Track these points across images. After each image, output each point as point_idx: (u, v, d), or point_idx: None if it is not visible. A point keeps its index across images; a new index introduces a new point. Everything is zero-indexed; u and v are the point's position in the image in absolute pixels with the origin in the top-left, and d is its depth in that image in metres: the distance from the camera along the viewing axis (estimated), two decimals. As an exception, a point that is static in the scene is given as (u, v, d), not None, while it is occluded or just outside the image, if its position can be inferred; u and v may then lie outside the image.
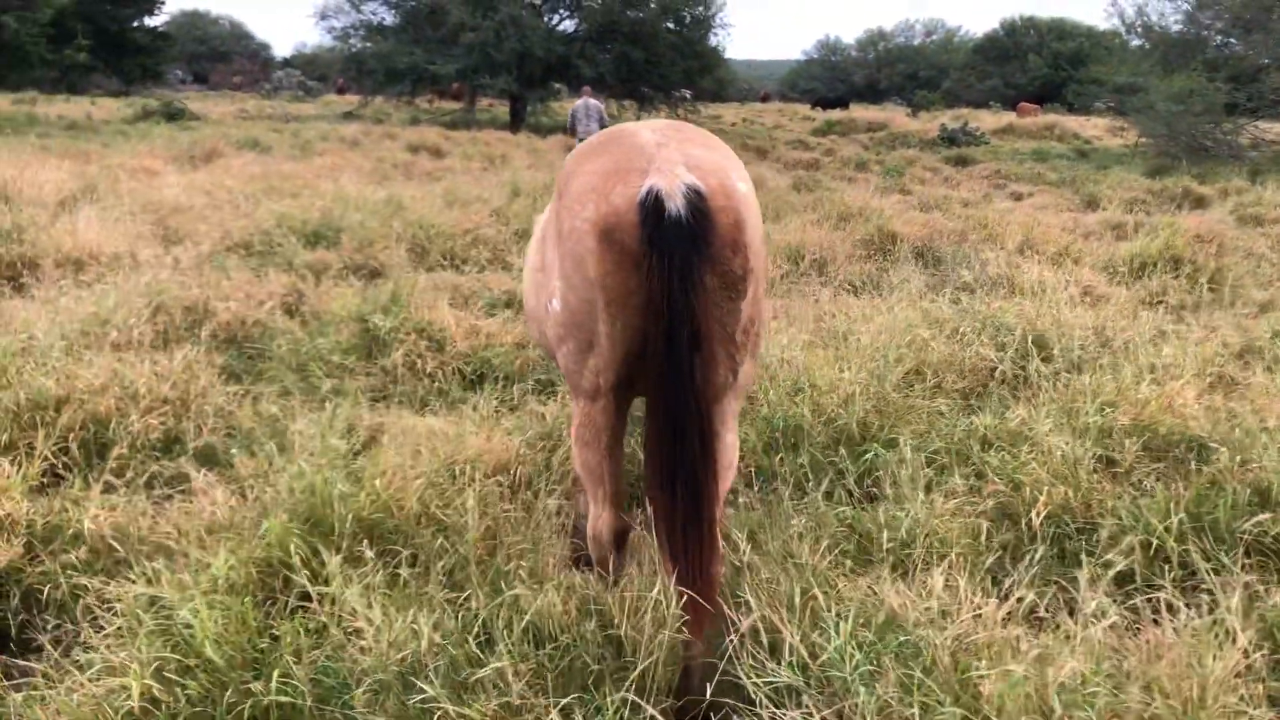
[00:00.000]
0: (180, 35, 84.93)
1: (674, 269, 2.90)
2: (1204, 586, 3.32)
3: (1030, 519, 4.03)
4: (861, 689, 2.72)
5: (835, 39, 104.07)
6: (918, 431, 5.04)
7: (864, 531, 3.93)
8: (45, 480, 4.48)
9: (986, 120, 41.83)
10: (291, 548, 3.51)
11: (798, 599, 3.14)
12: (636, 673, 2.90)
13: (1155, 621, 3.14)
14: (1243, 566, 3.60)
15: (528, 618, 3.14)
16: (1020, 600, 3.19)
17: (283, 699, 3.06)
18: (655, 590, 3.07)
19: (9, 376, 5.07)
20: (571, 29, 37.90)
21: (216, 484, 4.46)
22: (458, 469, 4.34)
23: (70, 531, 4.01)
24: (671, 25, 38.35)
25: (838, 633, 2.90)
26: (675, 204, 2.90)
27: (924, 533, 3.78)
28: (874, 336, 6.37)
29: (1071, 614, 3.28)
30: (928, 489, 4.24)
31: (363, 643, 3.09)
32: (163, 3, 60.41)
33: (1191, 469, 4.40)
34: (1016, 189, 19.30)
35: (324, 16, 38.71)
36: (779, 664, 2.90)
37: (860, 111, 52.56)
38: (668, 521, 3.07)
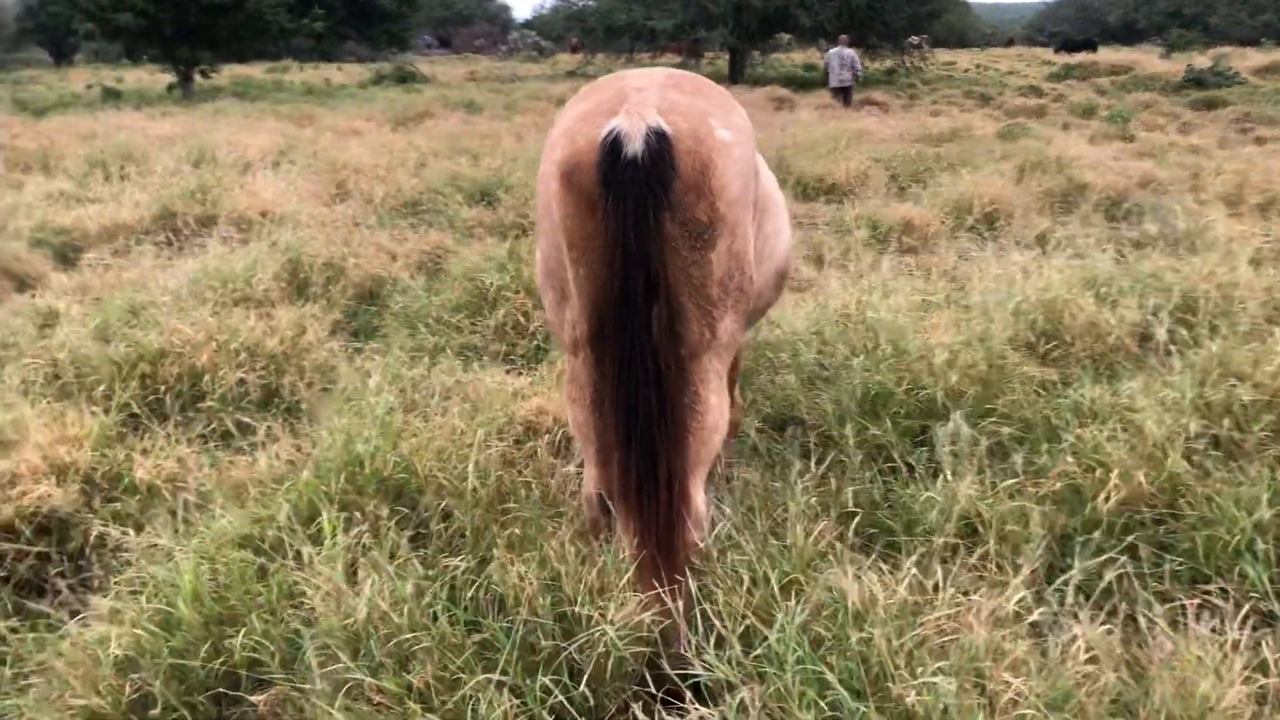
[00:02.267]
0: (426, 1, 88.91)
1: (627, 212, 2.75)
2: None
3: (1096, 505, 3.57)
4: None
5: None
6: (1012, 402, 4.59)
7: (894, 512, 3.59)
8: (124, 430, 4.70)
9: (1253, 59, 38.09)
10: (286, 508, 3.51)
11: (774, 584, 2.88)
12: (565, 654, 2.73)
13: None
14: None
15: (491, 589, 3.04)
16: (1023, 599, 2.81)
17: (255, 656, 3.10)
18: (601, 563, 2.88)
19: (115, 330, 5.35)
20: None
21: (283, 438, 4.57)
22: (498, 430, 4.28)
23: (126, 481, 4.20)
24: (898, -31, 36.92)
25: (784, 625, 2.62)
26: (634, 145, 2.76)
27: (954, 517, 3.41)
28: (1002, 296, 5.85)
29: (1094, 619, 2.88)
30: (984, 468, 3.83)
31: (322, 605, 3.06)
32: (408, -30, 63.26)
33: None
34: (1264, 133, 17.47)
35: (549, -24, 39.36)
36: (721, 654, 2.66)
37: (1107, 54, 49.00)
38: (623, 482, 2.91)
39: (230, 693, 3.10)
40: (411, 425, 4.14)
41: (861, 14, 34.82)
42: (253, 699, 3.02)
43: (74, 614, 3.40)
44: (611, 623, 2.76)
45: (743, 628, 2.72)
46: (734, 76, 35.58)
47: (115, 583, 3.50)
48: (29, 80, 39.32)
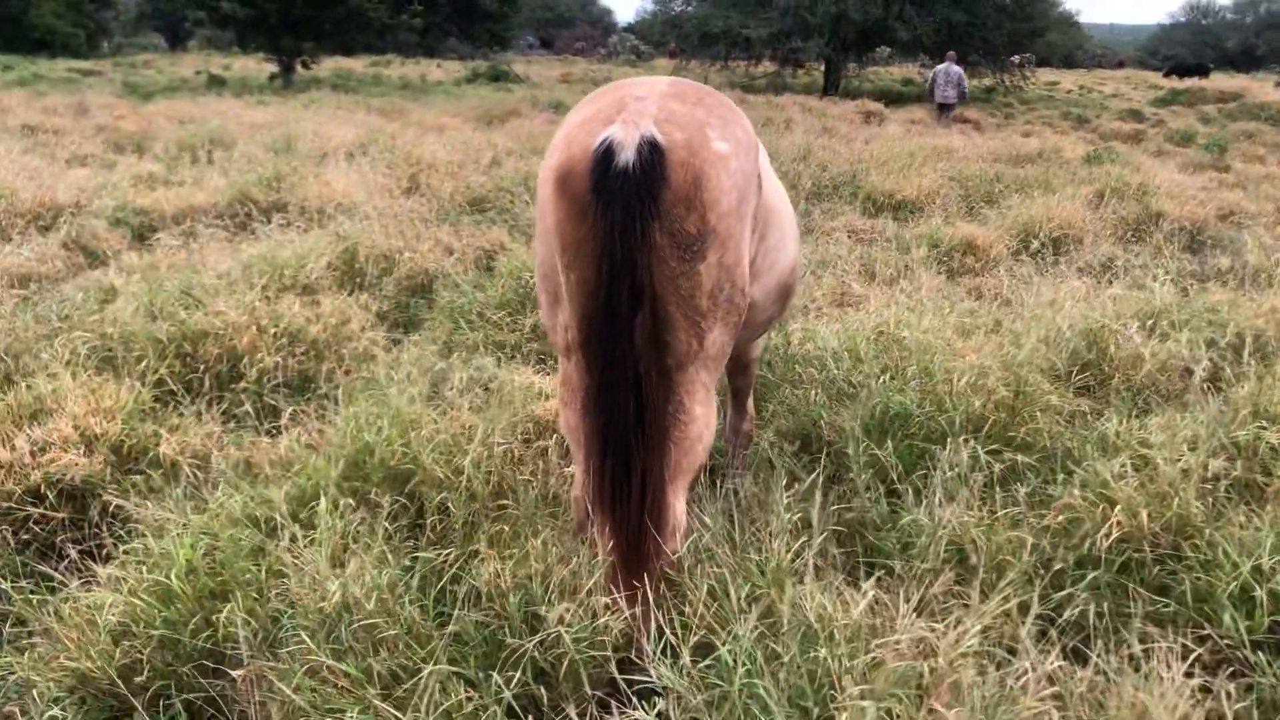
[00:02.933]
0: (529, 2, 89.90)
1: (615, 220, 2.79)
2: None
3: (1095, 540, 3.49)
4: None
5: (1207, 1, 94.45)
6: (1035, 430, 4.51)
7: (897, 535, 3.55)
8: (157, 406, 4.85)
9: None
10: (281, 491, 3.60)
11: (734, 597, 2.87)
12: (528, 652, 2.76)
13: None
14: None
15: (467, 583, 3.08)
16: (990, 629, 2.77)
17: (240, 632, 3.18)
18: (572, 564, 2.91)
19: (163, 309, 5.53)
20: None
21: (310, 423, 4.68)
22: (512, 427, 4.34)
23: (150, 454, 4.35)
24: (1004, -14, 36.31)
25: (737, 639, 2.62)
26: (626, 155, 2.80)
27: (940, 543, 3.36)
28: (1037, 322, 5.75)
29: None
30: (988, 496, 3.78)
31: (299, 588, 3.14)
32: (511, -30, 64.07)
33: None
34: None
35: (648, -19, 39.52)
36: (671, 664, 2.67)
37: (1219, 81, 47.59)
38: (598, 487, 2.94)
39: (212, 665, 3.19)
40: (423, 417, 4.20)
41: (961, 30, 34.25)
42: (233, 673, 3.11)
43: (83, 580, 3.54)
44: (570, 625, 2.77)
45: (695, 639, 2.72)
46: (828, 88, 35.36)
47: (124, 552, 3.63)
48: (143, 65, 40.74)
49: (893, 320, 5.74)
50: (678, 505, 3.05)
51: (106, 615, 3.24)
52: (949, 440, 4.24)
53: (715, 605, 2.88)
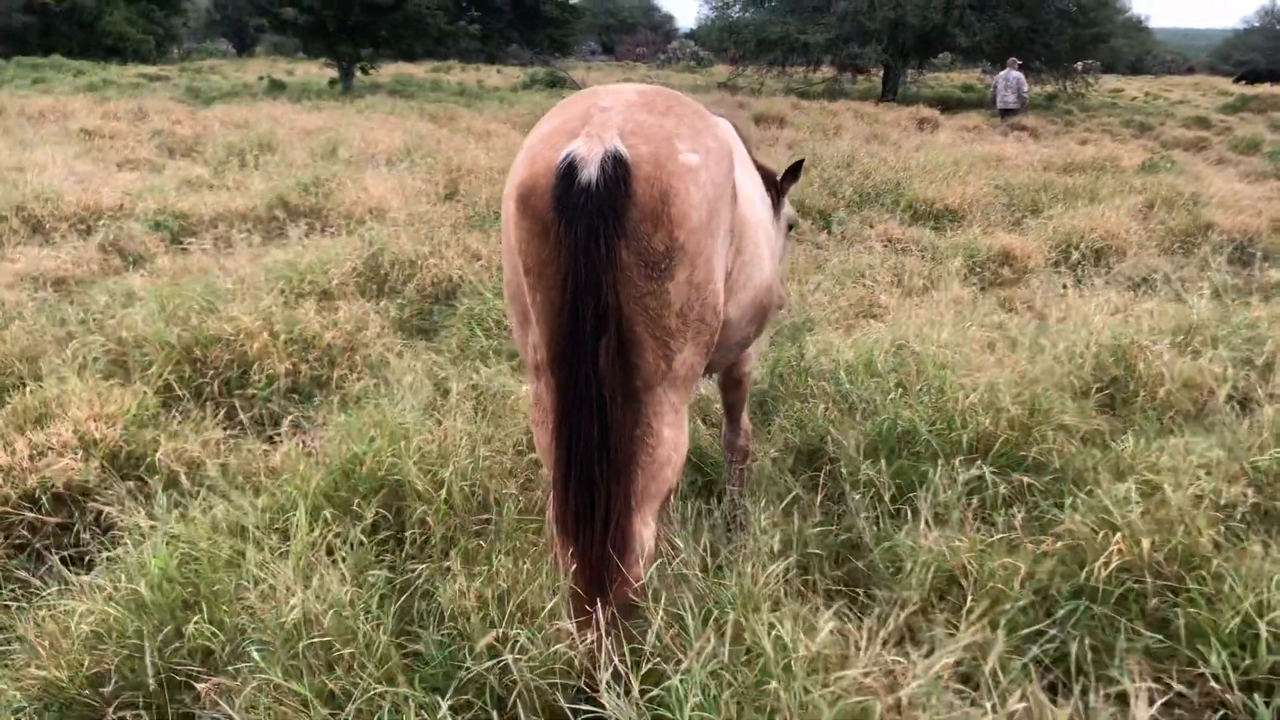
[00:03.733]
0: (593, 8, 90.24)
1: (578, 239, 2.67)
2: None
3: (1093, 569, 3.34)
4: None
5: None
6: (1048, 450, 4.36)
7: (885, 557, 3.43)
8: (161, 410, 4.86)
9: None
10: (254, 502, 3.57)
11: (691, 625, 2.77)
12: (479, 675, 2.69)
13: None
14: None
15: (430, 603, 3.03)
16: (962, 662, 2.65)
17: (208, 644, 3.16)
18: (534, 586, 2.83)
19: (177, 317, 5.56)
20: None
21: (312, 430, 4.67)
22: (511, 439, 4.29)
23: (148, 460, 4.36)
24: (1066, -10, 35.66)
25: (690, 669, 2.53)
26: (589, 171, 2.68)
27: (921, 569, 3.24)
28: (1071, 339, 5.57)
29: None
30: (990, 520, 3.64)
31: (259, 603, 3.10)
32: (573, -24, 64.37)
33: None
34: None
35: (705, -13, 39.44)
36: (623, 694, 2.58)
37: (1294, 87, 46.28)
38: (561, 511, 2.86)
39: (178, 677, 3.17)
40: (413, 427, 4.15)
41: (1021, 36, 33.68)
42: (198, 686, 3.09)
43: (65, 587, 3.54)
44: (524, 651, 2.70)
45: (649, 667, 2.63)
46: (885, 95, 34.98)
47: (106, 559, 3.63)
48: (209, 70, 41.47)
49: (912, 333, 5.60)
50: (644, 531, 2.94)
51: (79, 624, 3.24)
52: (940, 461, 4.11)
53: (674, 632, 2.79)
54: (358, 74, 31.85)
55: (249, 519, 3.57)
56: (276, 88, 30.16)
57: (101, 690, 3.14)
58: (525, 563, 3.19)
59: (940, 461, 3.93)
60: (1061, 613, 3.22)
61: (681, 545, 3.12)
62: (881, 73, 37.68)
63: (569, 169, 2.70)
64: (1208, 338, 5.87)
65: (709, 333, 2.97)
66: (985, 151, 15.98)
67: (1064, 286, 7.44)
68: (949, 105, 32.19)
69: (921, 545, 3.30)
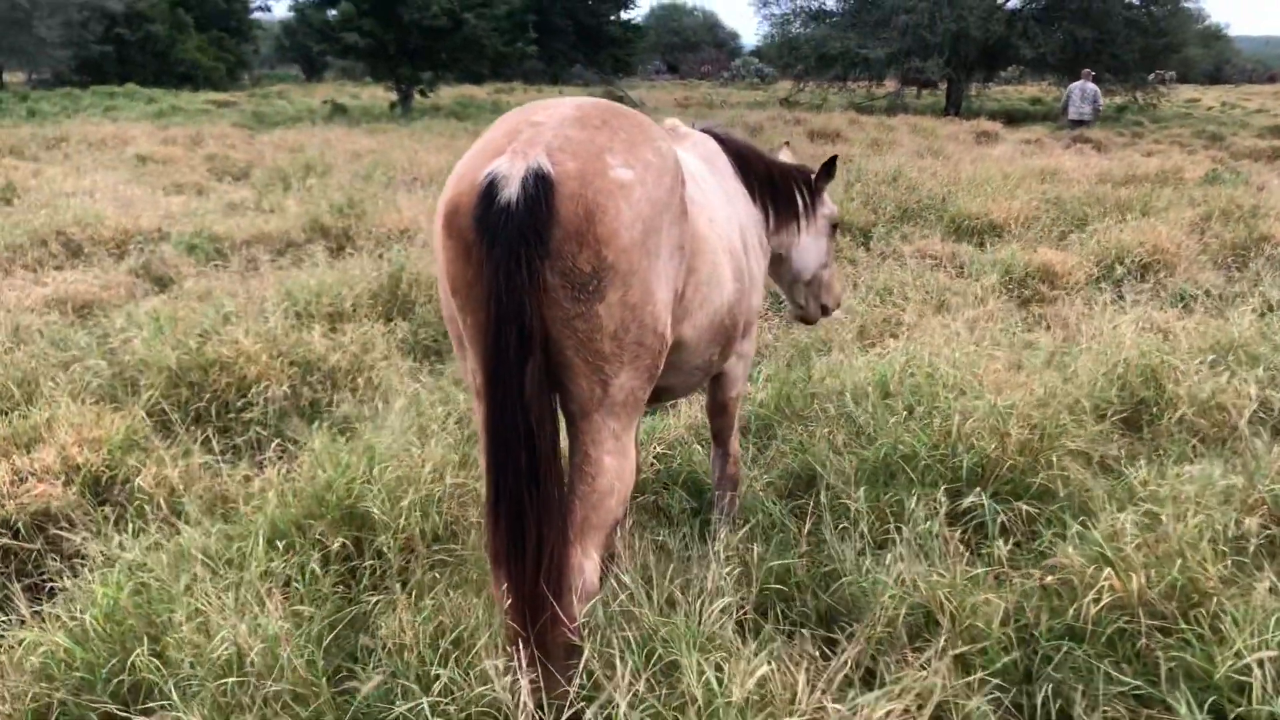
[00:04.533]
0: (658, 27, 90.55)
1: (499, 262, 2.54)
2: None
3: (1082, 606, 3.12)
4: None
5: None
6: (1054, 477, 4.13)
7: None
8: (152, 436, 4.83)
9: None
10: (205, 534, 3.49)
11: (627, 665, 2.61)
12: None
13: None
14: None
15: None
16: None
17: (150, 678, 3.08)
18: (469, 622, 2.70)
19: (176, 341, 5.54)
20: (1016, 6, 35.52)
21: (303, 454, 4.59)
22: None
23: (129, 485, 4.32)
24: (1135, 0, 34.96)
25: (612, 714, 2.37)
26: (510, 190, 2.54)
27: (894, 602, 3.04)
28: (1097, 358, 5.32)
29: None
30: (976, 551, 3.43)
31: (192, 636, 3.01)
32: (636, -4, 64.81)
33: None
34: None
35: (765, 3, 39.34)
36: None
37: (1378, 93, 44.78)
38: (493, 544, 2.72)
39: (123, 712, 3.09)
40: (383, 452, 4.05)
41: (1088, 46, 33.00)
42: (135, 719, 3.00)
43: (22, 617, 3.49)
44: (446, 691, 2.57)
45: (572, 711, 2.47)
46: (949, 108, 34.49)
47: (63, 589, 3.57)
48: (276, 95, 42.25)
49: (929, 353, 5.38)
50: (586, 564, 2.78)
51: (27, 656, 3.17)
52: (935, 488, 3.91)
53: (609, 673, 2.63)
54: (417, 96, 32.22)
55: (210, 548, 3.49)
56: (339, 111, 30.58)
57: (46, 722, 3.07)
58: (471, 596, 3.04)
59: (922, 489, 3.72)
60: (1040, 654, 3.00)
61: (629, 580, 2.95)
62: (945, 87, 37.21)
63: (489, 188, 2.57)
64: (1243, 356, 5.58)
65: (650, 356, 2.81)
66: (1041, 165, 15.58)
67: (1102, 303, 7.13)
68: (1015, 119, 31.63)
69: (888, 579, 3.09)
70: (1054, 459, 4.19)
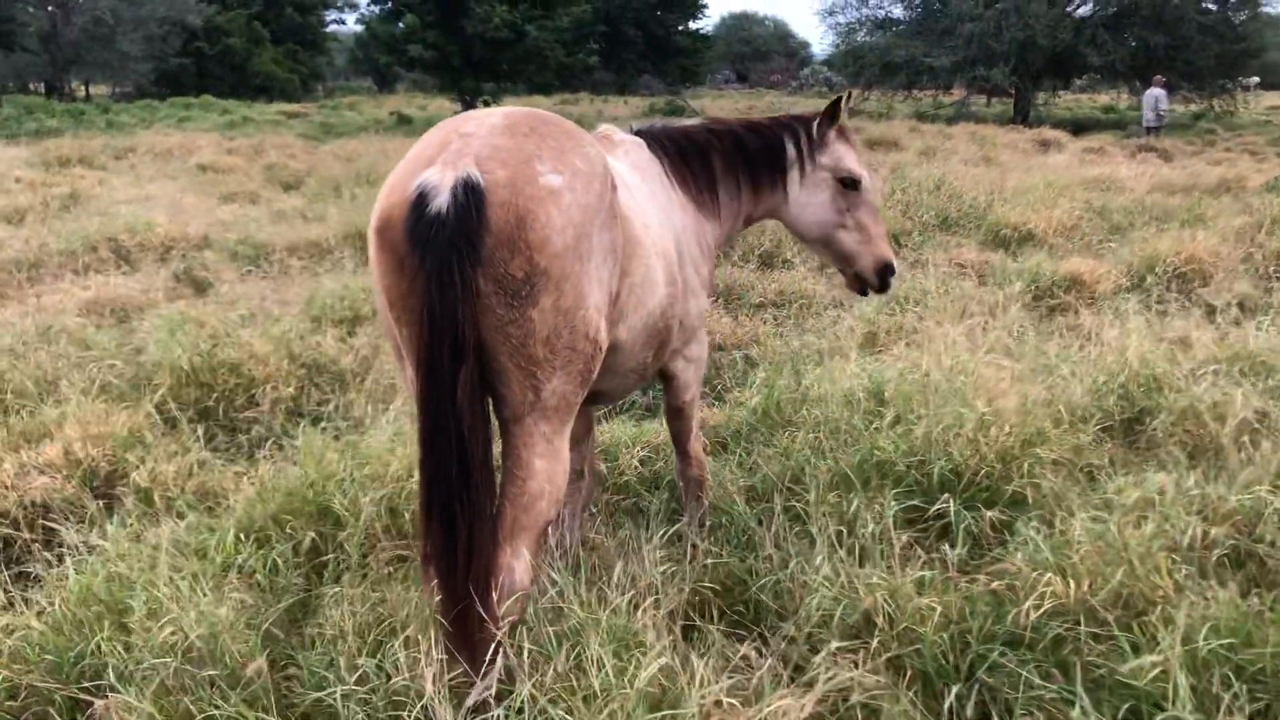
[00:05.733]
0: (728, 36, 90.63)
1: (431, 271, 2.59)
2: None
3: (1022, 611, 3.12)
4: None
5: None
6: (1030, 484, 4.11)
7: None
8: (156, 434, 5.01)
9: None
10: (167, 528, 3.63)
11: (523, 657, 2.68)
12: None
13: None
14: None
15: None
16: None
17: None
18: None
19: (187, 343, 5.73)
20: (1086, 14, 34.93)
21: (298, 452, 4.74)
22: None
23: (126, 479, 4.49)
24: (1211, 4, 34.16)
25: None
26: (440, 200, 2.60)
27: (832, 603, 3.07)
28: (1096, 367, 5.27)
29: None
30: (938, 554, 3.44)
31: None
32: (705, 7, 64.95)
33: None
34: None
35: (830, 13, 39.22)
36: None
37: None
38: (425, 546, 2.79)
39: (79, 695, 3.22)
40: (369, 451, 4.17)
41: (1160, 53, 32.32)
42: (96, 703, 3.13)
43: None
44: (363, 681, 2.66)
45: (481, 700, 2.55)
46: (1016, 117, 34.02)
47: (53, 577, 3.73)
48: (345, 106, 43.13)
49: (926, 361, 5.37)
50: (516, 564, 2.84)
51: (5, 639, 3.33)
52: (859, 493, 3.92)
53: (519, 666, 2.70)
54: (479, 107, 32.64)
55: (183, 539, 3.63)
56: (403, 123, 31.15)
57: (13, 703, 3.21)
58: (414, 589, 3.14)
59: (866, 495, 3.73)
60: (971, 658, 3.00)
61: (558, 578, 3.01)
62: (1013, 96, 36.73)
63: (420, 199, 2.62)
64: (1259, 368, 5.47)
65: (582, 360, 2.87)
66: (1096, 174, 15.34)
67: (1120, 311, 7.03)
68: (1084, 127, 31.09)
69: (812, 580, 3.12)
70: (1026, 466, 4.16)
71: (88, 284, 8.33)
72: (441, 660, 2.68)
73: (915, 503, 3.93)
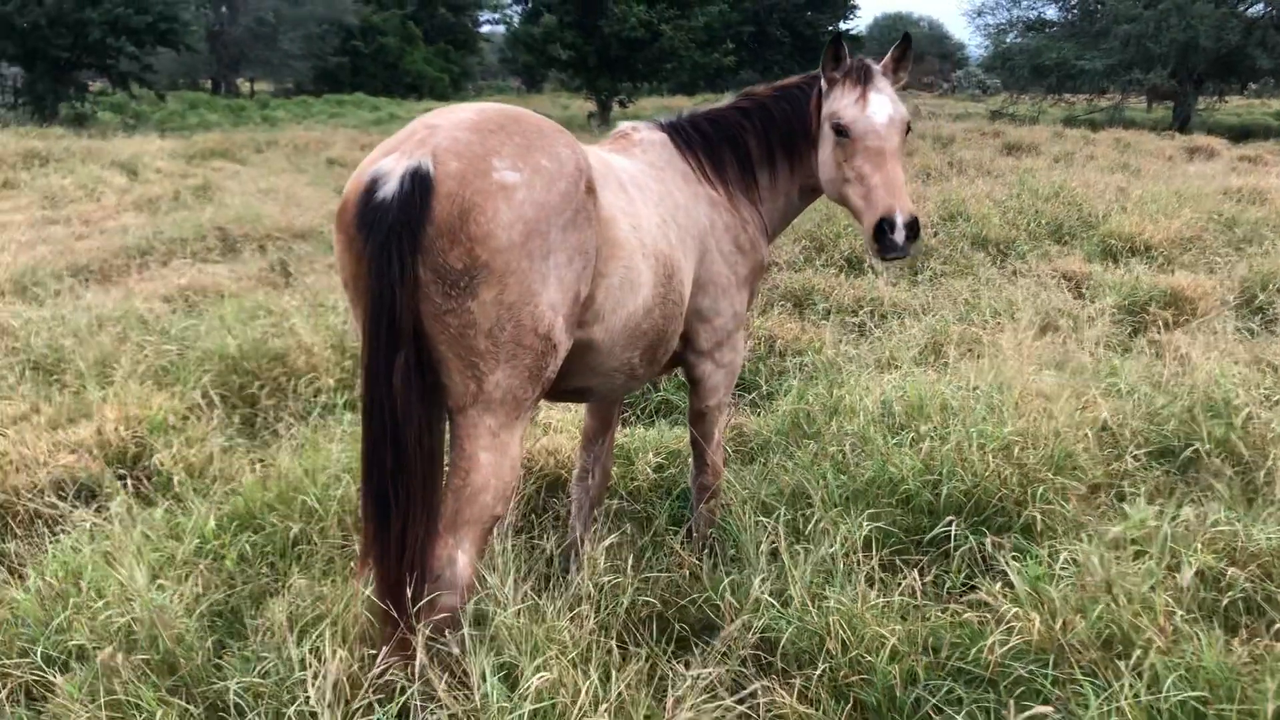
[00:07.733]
0: (880, 38, 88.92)
1: (373, 254, 2.66)
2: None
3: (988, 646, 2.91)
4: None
5: None
6: (1045, 512, 3.86)
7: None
8: (192, 418, 5.15)
9: None
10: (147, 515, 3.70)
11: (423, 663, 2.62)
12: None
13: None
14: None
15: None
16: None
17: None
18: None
19: (235, 330, 5.89)
20: (1256, 14, 32.98)
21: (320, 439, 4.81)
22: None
23: (146, 462, 4.63)
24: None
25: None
26: (388, 187, 2.69)
27: (752, 628, 2.92)
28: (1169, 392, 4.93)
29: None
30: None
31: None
32: (856, 7, 63.99)
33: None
34: None
35: (979, 14, 38.08)
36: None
37: None
38: (364, 536, 2.81)
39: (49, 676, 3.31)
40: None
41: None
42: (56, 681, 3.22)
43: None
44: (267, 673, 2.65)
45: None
46: (1175, 122, 32.33)
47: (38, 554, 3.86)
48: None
49: (972, 375, 5.11)
50: (458, 557, 2.83)
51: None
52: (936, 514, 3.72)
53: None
54: (615, 107, 32.90)
55: (163, 524, 3.71)
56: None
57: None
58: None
59: (836, 511, 3.55)
60: (915, 693, 2.82)
61: (489, 578, 2.95)
62: (1173, 101, 34.99)
63: (372, 184, 2.72)
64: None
65: (530, 356, 2.84)
66: (1240, 184, 14.42)
67: (1214, 331, 6.56)
68: (1249, 134, 29.37)
69: (747, 600, 2.97)
70: (1042, 492, 3.90)
71: (186, 271, 8.66)
72: (368, 654, 2.67)
73: (902, 525, 3.73)
